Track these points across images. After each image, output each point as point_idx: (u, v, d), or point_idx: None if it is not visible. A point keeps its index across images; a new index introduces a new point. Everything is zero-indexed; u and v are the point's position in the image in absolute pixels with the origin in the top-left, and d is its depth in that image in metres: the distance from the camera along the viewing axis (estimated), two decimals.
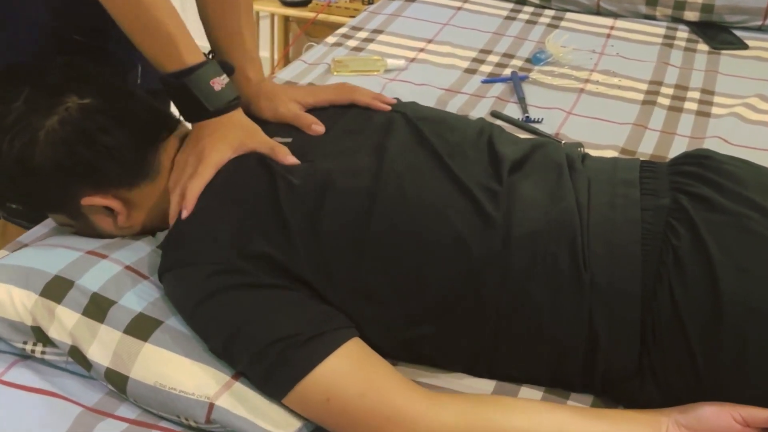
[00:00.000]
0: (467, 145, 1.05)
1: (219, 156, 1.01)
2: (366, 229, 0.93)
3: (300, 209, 0.95)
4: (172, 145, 1.07)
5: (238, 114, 1.06)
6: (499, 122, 1.59)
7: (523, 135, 1.51)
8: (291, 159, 1.02)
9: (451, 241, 0.93)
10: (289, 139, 1.07)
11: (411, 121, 1.09)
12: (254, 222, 0.94)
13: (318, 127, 1.11)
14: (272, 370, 0.88)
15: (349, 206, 0.95)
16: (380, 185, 0.97)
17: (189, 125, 1.09)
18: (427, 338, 0.96)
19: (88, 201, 1.02)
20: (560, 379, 0.96)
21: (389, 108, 1.14)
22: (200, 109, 1.02)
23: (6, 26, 1.17)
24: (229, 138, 1.03)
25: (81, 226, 1.08)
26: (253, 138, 1.04)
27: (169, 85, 1.02)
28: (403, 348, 0.97)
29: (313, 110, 1.16)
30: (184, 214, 0.97)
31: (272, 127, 1.11)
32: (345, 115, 1.14)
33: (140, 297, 0.97)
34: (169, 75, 1.01)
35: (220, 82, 1.02)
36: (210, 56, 1.03)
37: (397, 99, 1.19)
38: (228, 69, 1.06)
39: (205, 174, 1.00)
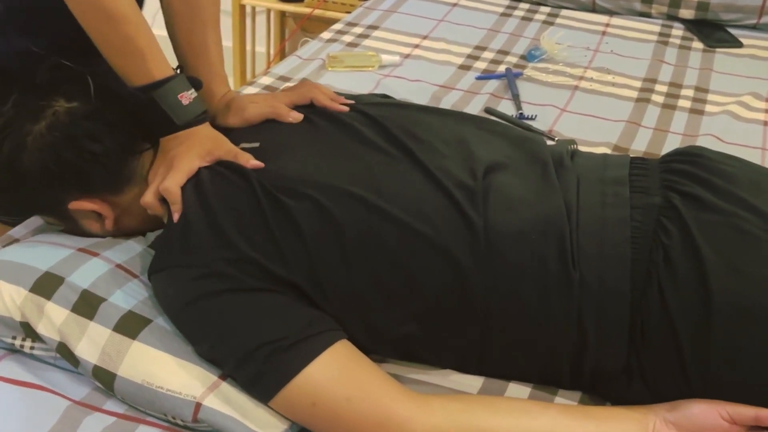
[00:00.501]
0: (438, 142, 1.04)
1: (188, 163, 1.01)
2: (343, 234, 0.93)
3: (279, 214, 0.94)
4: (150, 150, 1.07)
5: (206, 127, 1.06)
6: (492, 119, 1.59)
7: (520, 131, 1.51)
8: (254, 162, 1.01)
9: (433, 244, 0.93)
10: (256, 144, 1.07)
11: (376, 120, 1.08)
12: (239, 228, 0.94)
13: (296, 115, 1.11)
14: (259, 374, 0.88)
15: (323, 210, 0.94)
16: (353, 189, 0.96)
17: None
18: (415, 338, 0.96)
19: (75, 205, 1.02)
20: (549, 377, 0.97)
21: (346, 109, 1.13)
22: (168, 123, 1.02)
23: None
24: (196, 148, 1.03)
25: (69, 227, 1.09)
26: (219, 147, 1.04)
27: (135, 98, 1.02)
28: (392, 347, 0.97)
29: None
30: (176, 217, 0.97)
31: (237, 133, 1.11)
32: (308, 117, 1.13)
33: (130, 295, 0.97)
34: (136, 89, 1.01)
35: (188, 96, 1.03)
36: (178, 71, 1.03)
37: (354, 100, 1.17)
38: (196, 84, 1.07)
39: (176, 176, 1.00)
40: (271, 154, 1.04)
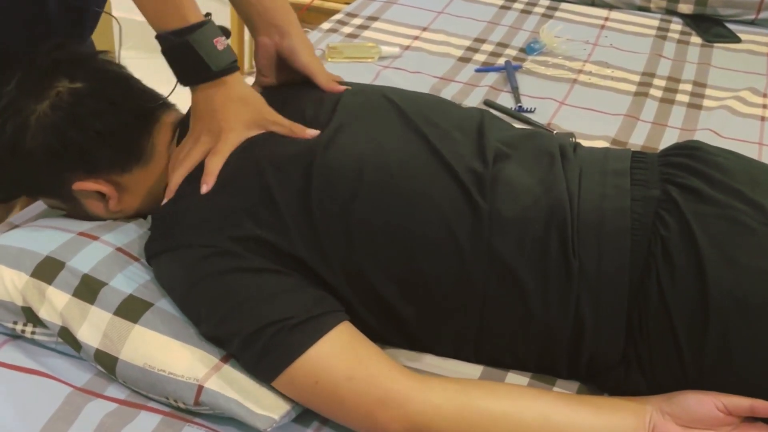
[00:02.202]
0: (454, 129, 1.05)
1: (237, 137, 1.00)
2: (352, 213, 0.94)
3: (288, 189, 0.94)
4: (166, 130, 1.06)
5: (240, 84, 1.03)
6: (492, 112, 1.60)
7: (518, 125, 1.52)
8: (311, 132, 1.01)
9: (438, 226, 0.94)
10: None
11: (394, 103, 1.08)
12: (242, 206, 0.94)
13: (335, 86, 1.13)
14: (263, 354, 0.88)
15: (336, 187, 0.95)
16: (365, 168, 0.97)
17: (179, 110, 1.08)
18: (415, 319, 0.96)
19: (79, 186, 1.02)
20: (546, 365, 0.97)
21: (342, 88, 1.13)
22: (202, 69, 0.98)
23: None
24: (243, 116, 1.01)
25: (72, 209, 1.08)
26: (265, 116, 1.03)
27: (169, 43, 0.98)
28: (392, 328, 0.98)
29: (270, 89, 1.17)
30: (205, 189, 0.96)
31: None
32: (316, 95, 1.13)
33: (131, 279, 0.97)
34: (169, 33, 0.97)
35: (222, 42, 0.99)
36: (209, 17, 1.02)
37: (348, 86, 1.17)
38: (226, 32, 1.04)
39: (225, 152, 0.98)
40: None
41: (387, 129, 1.03)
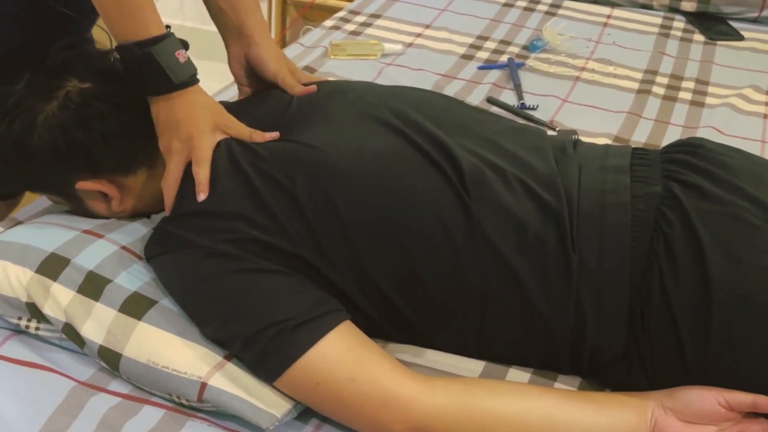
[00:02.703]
0: (442, 124, 1.05)
1: (208, 140, 1.00)
2: (342, 208, 0.94)
3: (276, 191, 0.94)
4: None
5: (200, 93, 1.03)
6: (494, 109, 1.60)
7: (521, 122, 1.52)
8: (270, 135, 1.02)
9: (430, 222, 0.94)
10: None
11: (372, 102, 1.08)
12: (236, 211, 0.94)
13: (301, 89, 1.14)
14: (264, 354, 0.88)
15: (321, 183, 0.95)
16: (346, 162, 0.97)
17: None
18: (415, 316, 0.97)
19: (82, 185, 1.03)
20: (548, 361, 0.98)
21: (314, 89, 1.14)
22: (164, 81, 0.98)
23: None
24: (208, 121, 1.01)
25: (75, 207, 1.09)
26: (226, 122, 1.03)
27: (131, 54, 0.98)
28: (395, 325, 0.98)
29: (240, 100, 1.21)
30: (202, 197, 0.96)
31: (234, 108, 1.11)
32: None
33: (135, 276, 0.98)
34: (132, 44, 0.97)
35: (183, 54, 1.00)
36: (169, 30, 1.02)
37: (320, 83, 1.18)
38: (186, 45, 1.04)
39: (207, 157, 0.99)
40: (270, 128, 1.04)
41: (366, 126, 1.03)
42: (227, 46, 1.23)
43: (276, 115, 1.09)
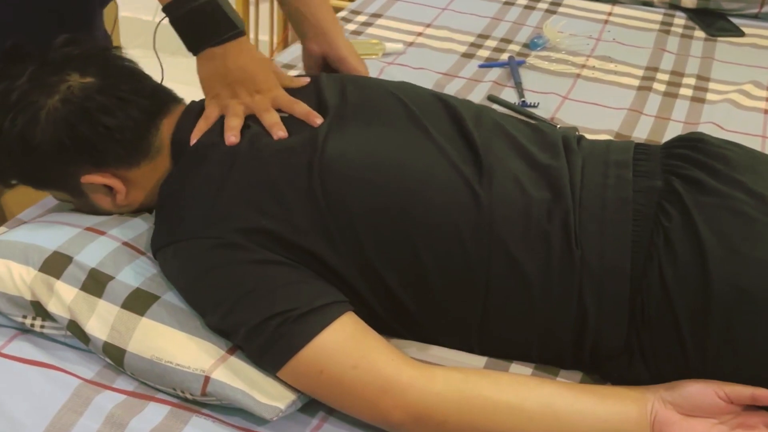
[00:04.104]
0: (460, 116, 1.06)
1: (278, 89, 1.05)
2: (355, 201, 0.94)
3: (293, 181, 0.95)
4: (172, 124, 1.07)
5: (249, 42, 1.06)
6: (495, 107, 1.60)
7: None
8: (320, 121, 1.03)
9: (438, 214, 0.95)
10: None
11: (397, 97, 1.09)
12: (248, 198, 0.95)
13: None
14: (268, 344, 0.89)
15: (339, 176, 0.96)
16: (364, 157, 0.98)
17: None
18: (418, 309, 0.97)
19: (87, 179, 1.03)
20: (550, 355, 0.98)
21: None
22: (230, 27, 1.01)
23: None
24: (271, 74, 1.06)
25: (80, 202, 1.09)
26: (279, 71, 1.09)
27: (193, 5, 0.99)
28: (398, 318, 0.99)
29: None
30: (283, 134, 1.00)
31: None
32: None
33: (137, 272, 0.98)
34: None
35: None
36: None
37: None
38: None
39: (286, 96, 1.04)
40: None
41: (386, 121, 1.04)
42: (304, 43, 1.30)
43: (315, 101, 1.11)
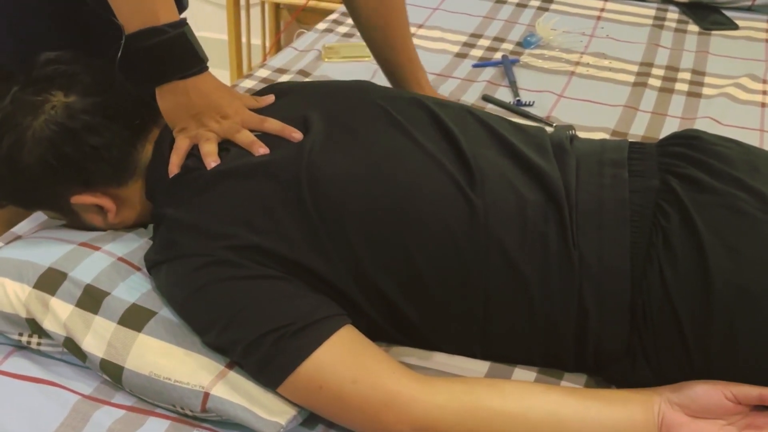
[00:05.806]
0: (448, 120, 1.05)
1: (244, 109, 1.04)
2: (347, 211, 0.93)
3: (282, 195, 0.94)
4: (153, 140, 1.06)
5: (213, 78, 1.04)
6: (490, 107, 1.60)
7: (515, 119, 1.52)
8: (297, 135, 1.01)
9: (432, 220, 0.94)
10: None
11: (377, 103, 1.07)
12: (238, 215, 0.94)
13: None
14: (266, 360, 0.88)
15: (328, 186, 0.94)
16: (353, 165, 0.97)
17: None
18: (419, 318, 0.96)
19: (77, 200, 1.02)
20: (553, 359, 0.97)
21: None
22: (197, 61, 1.00)
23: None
24: (236, 97, 1.05)
25: (72, 221, 1.09)
26: (248, 99, 1.07)
27: (164, 35, 0.97)
28: (398, 327, 0.98)
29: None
30: (263, 151, 0.99)
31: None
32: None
33: (133, 288, 0.97)
34: (166, 25, 0.97)
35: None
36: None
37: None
38: None
39: (254, 119, 1.03)
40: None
41: (371, 129, 1.03)
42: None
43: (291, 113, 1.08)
